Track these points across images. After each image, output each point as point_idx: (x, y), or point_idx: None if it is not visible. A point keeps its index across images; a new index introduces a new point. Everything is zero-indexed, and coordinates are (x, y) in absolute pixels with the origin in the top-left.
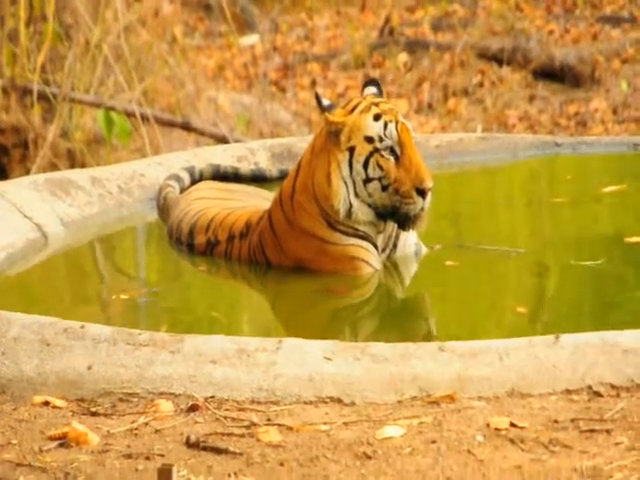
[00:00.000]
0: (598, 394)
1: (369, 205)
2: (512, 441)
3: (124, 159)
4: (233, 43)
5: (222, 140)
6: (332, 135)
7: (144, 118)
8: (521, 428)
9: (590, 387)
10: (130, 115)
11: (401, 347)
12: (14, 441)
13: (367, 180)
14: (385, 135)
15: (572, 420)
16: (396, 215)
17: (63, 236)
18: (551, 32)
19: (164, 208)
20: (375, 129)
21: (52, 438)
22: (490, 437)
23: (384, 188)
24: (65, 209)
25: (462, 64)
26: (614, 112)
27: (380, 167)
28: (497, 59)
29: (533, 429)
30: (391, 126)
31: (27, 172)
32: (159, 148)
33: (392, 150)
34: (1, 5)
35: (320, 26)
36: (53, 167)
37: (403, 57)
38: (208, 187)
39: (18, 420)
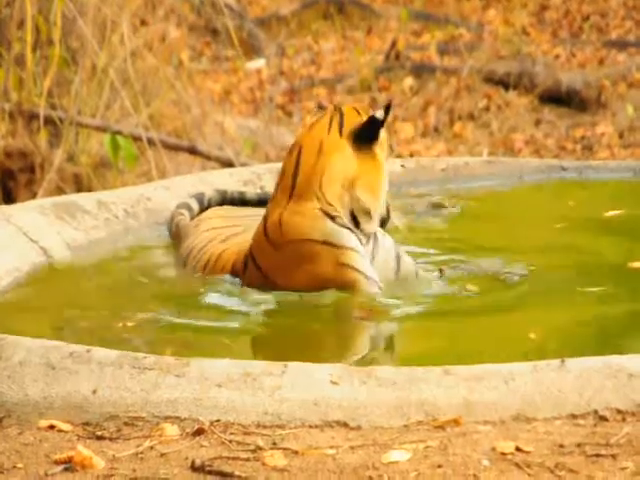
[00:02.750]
0: (604, 419)
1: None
2: (518, 465)
3: (130, 183)
4: (239, 67)
5: (228, 164)
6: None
7: (150, 142)
8: (527, 452)
9: (596, 412)
10: (136, 139)
11: (407, 371)
12: (19, 465)
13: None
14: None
15: (578, 445)
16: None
17: (69, 260)
18: (557, 56)
19: (176, 235)
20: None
21: (57, 462)
22: (496, 461)
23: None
24: (71, 233)
25: (468, 88)
26: (620, 136)
27: None
28: (503, 83)
29: (539, 453)
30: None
31: (33, 196)
32: (165, 172)
33: None
34: (7, 29)
35: (326, 50)
36: (59, 191)
37: (409, 81)
38: (216, 215)
39: (23, 444)
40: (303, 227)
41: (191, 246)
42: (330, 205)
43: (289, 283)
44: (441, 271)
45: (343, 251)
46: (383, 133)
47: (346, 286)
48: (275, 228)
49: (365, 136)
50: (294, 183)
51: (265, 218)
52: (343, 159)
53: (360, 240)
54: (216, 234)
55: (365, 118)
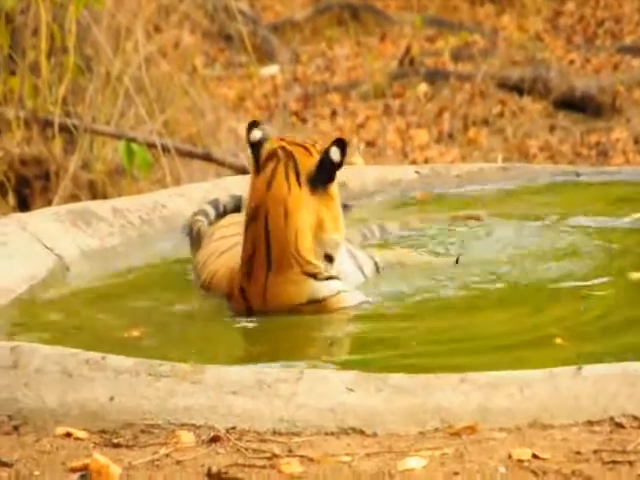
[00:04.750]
0: (620, 425)
1: None
2: (534, 473)
3: (145, 190)
4: (253, 73)
5: (243, 170)
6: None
7: (165, 149)
8: (543, 459)
9: (612, 418)
10: (151, 146)
11: (423, 378)
12: (36, 472)
13: None
14: None
15: (594, 452)
16: None
17: (84, 267)
18: (572, 62)
19: (197, 243)
20: None
21: (74, 470)
22: (512, 469)
23: None
24: (86, 240)
25: (482, 94)
26: (635, 142)
27: None
28: (518, 89)
29: (555, 460)
30: None
31: (49, 203)
32: (180, 179)
33: None
34: (22, 37)
35: (340, 56)
36: (74, 198)
37: (423, 87)
38: (230, 223)
39: (40, 452)
40: (288, 295)
41: (199, 259)
42: (309, 263)
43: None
44: (457, 260)
45: (326, 302)
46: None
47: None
48: (258, 298)
49: (322, 179)
50: (269, 256)
51: (242, 289)
52: (309, 212)
53: (338, 274)
54: (219, 245)
55: (316, 157)
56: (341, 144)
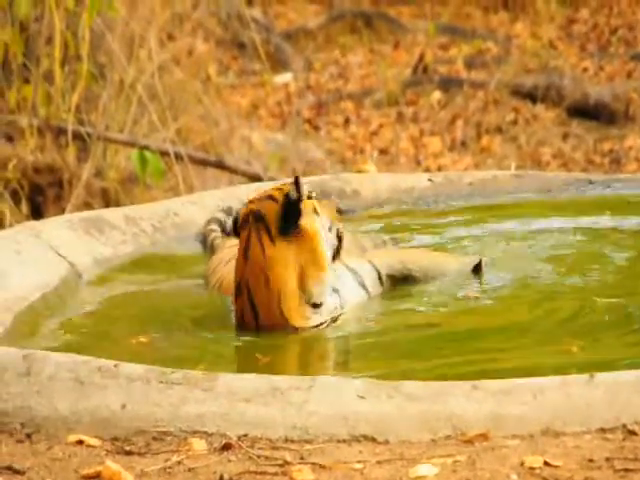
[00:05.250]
0: (633, 433)
1: None
2: None
3: (158, 198)
4: (267, 81)
5: (256, 178)
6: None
7: (178, 157)
8: (555, 467)
9: (625, 426)
10: (164, 154)
11: (435, 385)
12: None
13: None
14: None
15: (607, 459)
16: None
17: (97, 275)
18: (585, 69)
19: (211, 251)
20: None
21: (86, 477)
22: (524, 476)
23: None
24: (99, 248)
25: (496, 102)
26: None
27: None
28: (531, 97)
29: (567, 468)
30: None
31: (62, 211)
32: (193, 187)
33: None
34: (36, 45)
35: (353, 64)
36: (87, 206)
37: (437, 95)
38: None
39: (52, 459)
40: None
41: (210, 265)
42: (295, 325)
43: None
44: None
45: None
46: (306, 202)
47: None
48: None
49: (290, 222)
50: (257, 321)
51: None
52: (288, 268)
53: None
54: (229, 252)
55: (280, 201)
56: (295, 182)
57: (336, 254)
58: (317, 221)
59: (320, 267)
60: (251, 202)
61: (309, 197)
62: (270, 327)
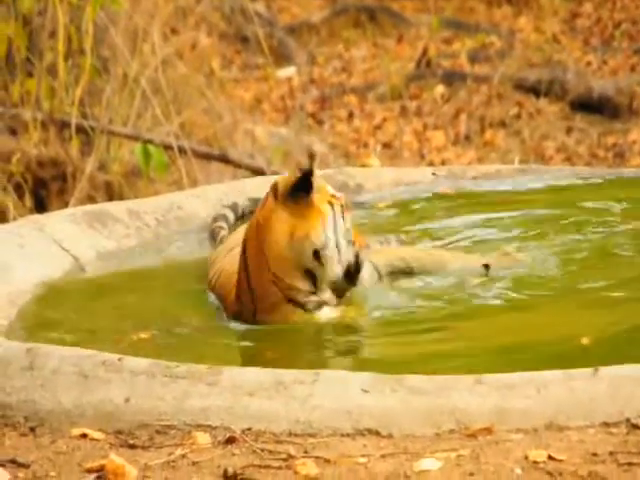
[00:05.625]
0: (636, 427)
1: None
2: (550, 474)
3: (161, 192)
4: (270, 75)
5: (259, 172)
6: None
7: (181, 151)
8: (559, 461)
9: (628, 420)
10: (168, 148)
11: (439, 379)
12: (52, 473)
13: None
14: None
15: (610, 453)
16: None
17: (100, 268)
18: (589, 63)
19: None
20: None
21: (90, 470)
22: (528, 470)
23: None
24: (102, 241)
25: (499, 96)
26: None
27: None
28: (534, 91)
29: (571, 462)
30: None
31: (65, 205)
32: (196, 180)
33: None
34: (39, 39)
35: (357, 58)
36: (91, 200)
37: (440, 89)
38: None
39: (56, 452)
40: (276, 321)
41: (211, 256)
42: (290, 288)
43: None
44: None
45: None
46: (318, 181)
47: None
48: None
49: (300, 190)
50: (249, 283)
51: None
52: (282, 229)
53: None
54: (229, 243)
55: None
56: (311, 156)
57: (349, 276)
58: (328, 209)
59: (315, 237)
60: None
61: (333, 196)
62: (261, 290)
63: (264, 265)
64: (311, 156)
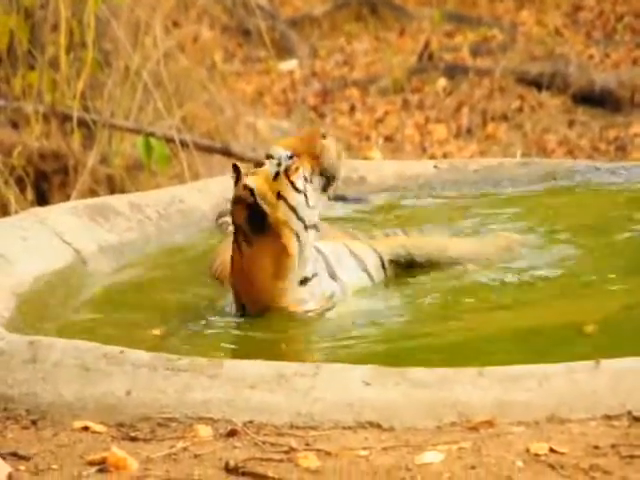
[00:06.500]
0: (638, 420)
1: None
2: (552, 467)
3: (163, 185)
4: (272, 68)
5: (261, 165)
6: None
7: (183, 144)
8: (561, 454)
9: (630, 413)
10: (169, 141)
11: (440, 372)
12: (54, 466)
13: None
14: None
15: (612, 446)
16: None
17: (102, 262)
18: (591, 57)
19: None
20: None
21: (92, 463)
22: (530, 463)
23: None
24: (104, 235)
25: (501, 89)
26: None
27: None
28: (536, 84)
29: (573, 455)
30: None
31: (67, 198)
32: (198, 174)
33: None
34: (41, 32)
35: (359, 51)
36: (93, 193)
37: (442, 82)
38: None
39: (58, 445)
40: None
41: (216, 249)
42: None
43: None
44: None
45: None
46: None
47: None
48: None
49: (257, 223)
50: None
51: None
52: (263, 264)
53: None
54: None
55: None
56: (235, 172)
57: (328, 187)
58: (292, 199)
59: (288, 255)
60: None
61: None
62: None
63: (260, 299)
64: (237, 172)
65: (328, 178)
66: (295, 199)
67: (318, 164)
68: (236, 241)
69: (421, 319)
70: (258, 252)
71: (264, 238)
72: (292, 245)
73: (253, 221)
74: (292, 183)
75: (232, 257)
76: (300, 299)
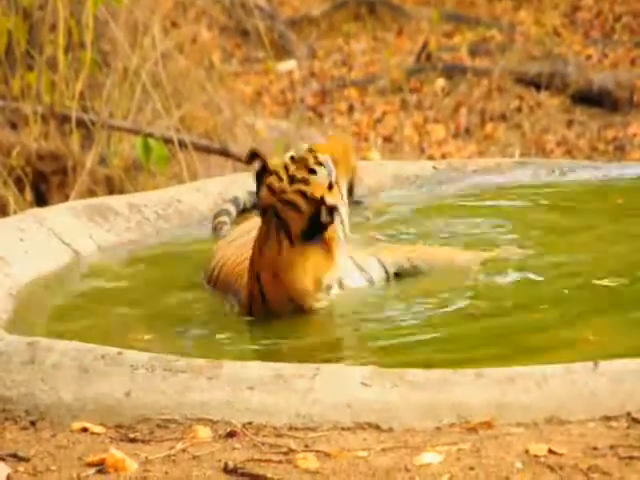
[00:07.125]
0: (637, 421)
1: None
2: (551, 468)
3: (162, 185)
4: (270, 69)
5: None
6: None
7: (182, 144)
8: (560, 455)
9: (629, 414)
10: (168, 141)
11: (439, 373)
12: (53, 467)
13: None
14: None
15: (611, 447)
16: None
17: (101, 262)
18: (589, 57)
19: None
20: None
21: (90, 464)
22: (529, 464)
23: None
24: (103, 235)
25: (500, 89)
26: None
27: None
28: (535, 84)
29: (572, 456)
30: None
31: (66, 198)
32: (197, 174)
33: None
34: (40, 33)
35: (357, 51)
36: (91, 193)
37: (440, 82)
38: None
39: (57, 446)
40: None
41: (213, 249)
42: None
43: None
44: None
45: None
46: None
47: None
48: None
49: (314, 233)
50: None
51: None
52: (301, 268)
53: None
54: (232, 235)
55: (306, 214)
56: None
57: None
58: (343, 212)
59: (332, 262)
60: (273, 192)
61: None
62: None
63: (284, 298)
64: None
65: (350, 187)
66: (345, 212)
67: (349, 174)
68: (276, 237)
69: (423, 324)
70: (301, 254)
71: (312, 243)
72: (338, 255)
73: (309, 230)
74: (342, 195)
75: (261, 250)
76: (321, 303)
